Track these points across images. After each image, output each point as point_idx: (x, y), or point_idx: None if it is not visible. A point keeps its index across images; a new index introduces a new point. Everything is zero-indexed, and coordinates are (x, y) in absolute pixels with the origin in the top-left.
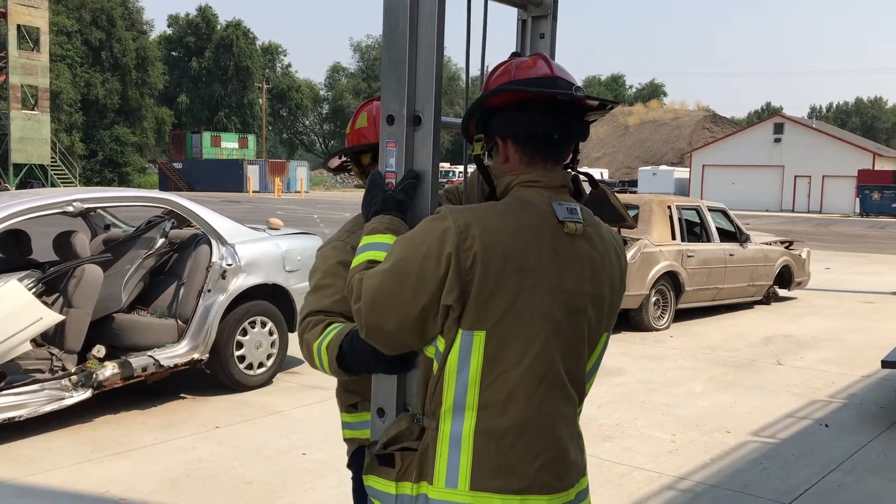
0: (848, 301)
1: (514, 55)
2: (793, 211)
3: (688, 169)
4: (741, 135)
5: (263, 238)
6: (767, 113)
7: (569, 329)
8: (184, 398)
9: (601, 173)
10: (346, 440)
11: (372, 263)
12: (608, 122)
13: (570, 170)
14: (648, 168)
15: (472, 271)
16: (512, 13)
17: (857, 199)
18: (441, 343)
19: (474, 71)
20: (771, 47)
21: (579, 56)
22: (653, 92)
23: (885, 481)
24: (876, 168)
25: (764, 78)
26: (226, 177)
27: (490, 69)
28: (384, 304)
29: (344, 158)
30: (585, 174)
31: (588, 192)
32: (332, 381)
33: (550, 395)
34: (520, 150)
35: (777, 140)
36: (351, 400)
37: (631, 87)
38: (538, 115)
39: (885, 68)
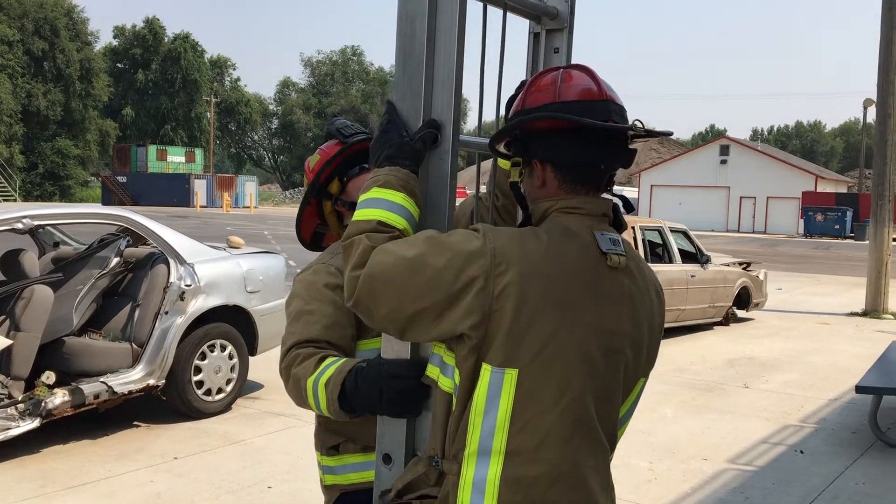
0: (804, 322)
1: (523, 84)
2: (738, 231)
3: (636, 189)
4: (688, 156)
5: (224, 257)
6: (712, 135)
7: (605, 371)
8: (138, 426)
9: None
10: (325, 487)
11: (382, 226)
12: None
13: (609, 195)
14: None
15: (501, 301)
16: (521, 25)
17: (802, 220)
18: (457, 375)
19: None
20: (710, 70)
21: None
22: None
23: None
24: (818, 190)
25: (704, 101)
26: (172, 191)
27: (526, 81)
28: (386, 287)
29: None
30: (622, 197)
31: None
32: (295, 408)
33: (584, 443)
34: (560, 175)
35: (723, 161)
36: (332, 441)
37: None
38: (585, 144)
39: (824, 93)
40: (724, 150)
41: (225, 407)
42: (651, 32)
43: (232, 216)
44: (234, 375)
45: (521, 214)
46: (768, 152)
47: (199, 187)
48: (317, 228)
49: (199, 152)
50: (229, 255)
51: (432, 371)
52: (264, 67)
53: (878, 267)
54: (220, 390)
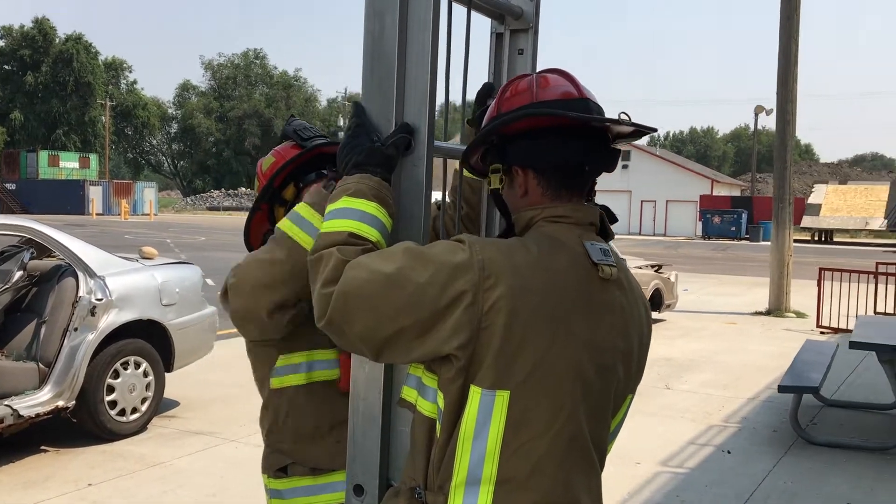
0: (713, 322)
1: (487, 86)
2: (640, 234)
3: None
4: None
5: (137, 269)
6: None
7: (598, 389)
8: (46, 451)
9: None
10: None
11: (354, 238)
12: None
13: (593, 203)
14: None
15: (491, 317)
16: (483, 26)
17: (700, 223)
18: (441, 399)
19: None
20: (610, 76)
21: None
22: None
23: None
24: (714, 193)
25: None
26: (65, 198)
27: (489, 84)
28: (361, 304)
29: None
30: (603, 207)
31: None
32: (215, 425)
33: (576, 465)
34: (543, 181)
35: (625, 166)
36: (280, 462)
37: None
38: (568, 142)
39: (717, 100)
40: (626, 156)
41: (140, 427)
42: (554, 38)
43: (131, 224)
44: (150, 394)
45: (503, 224)
46: (667, 157)
47: (95, 194)
48: (265, 235)
49: (93, 158)
50: (142, 266)
51: (409, 394)
52: (162, 70)
53: (780, 267)
54: (134, 410)
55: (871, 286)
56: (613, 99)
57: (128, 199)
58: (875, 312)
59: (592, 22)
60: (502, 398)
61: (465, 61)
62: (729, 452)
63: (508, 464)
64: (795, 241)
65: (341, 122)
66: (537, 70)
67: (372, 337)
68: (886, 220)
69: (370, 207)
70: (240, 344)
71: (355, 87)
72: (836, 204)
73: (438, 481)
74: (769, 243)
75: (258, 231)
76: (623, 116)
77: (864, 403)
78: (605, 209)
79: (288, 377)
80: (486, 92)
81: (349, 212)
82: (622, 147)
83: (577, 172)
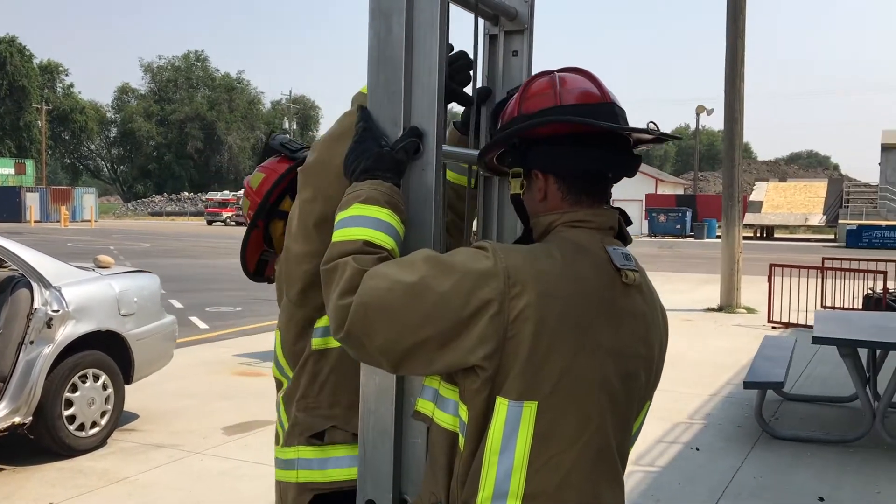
0: (669, 319)
1: (484, 90)
2: None
3: None
4: None
5: (94, 278)
6: None
7: (622, 399)
8: (3, 469)
9: None
10: (294, 486)
11: (369, 247)
12: None
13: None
14: None
15: (518, 326)
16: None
17: (646, 221)
18: (464, 411)
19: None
20: None
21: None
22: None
23: (769, 502)
24: (659, 192)
25: None
26: (0, 206)
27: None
28: (382, 316)
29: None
30: (619, 210)
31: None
32: (178, 437)
33: (603, 476)
34: (564, 187)
35: None
36: (317, 426)
37: None
38: (592, 149)
39: (659, 100)
40: None
41: (101, 442)
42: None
43: (72, 231)
44: (110, 407)
45: (521, 229)
46: None
47: (32, 201)
48: (261, 255)
49: (29, 163)
50: (99, 275)
51: (425, 406)
52: (100, 73)
53: (730, 264)
54: (94, 424)
55: (818, 281)
56: None
57: (67, 205)
58: (822, 307)
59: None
60: (530, 409)
61: (474, 65)
62: (698, 449)
63: (536, 477)
64: (745, 238)
65: (286, 125)
66: (531, 71)
67: (392, 349)
68: (825, 216)
69: (383, 214)
70: (197, 352)
71: (299, 89)
72: (777, 201)
73: (464, 496)
74: (714, 240)
75: (255, 251)
76: (651, 126)
77: (823, 397)
78: (621, 212)
79: (332, 337)
80: (483, 96)
81: (362, 219)
82: (642, 151)
83: (600, 179)
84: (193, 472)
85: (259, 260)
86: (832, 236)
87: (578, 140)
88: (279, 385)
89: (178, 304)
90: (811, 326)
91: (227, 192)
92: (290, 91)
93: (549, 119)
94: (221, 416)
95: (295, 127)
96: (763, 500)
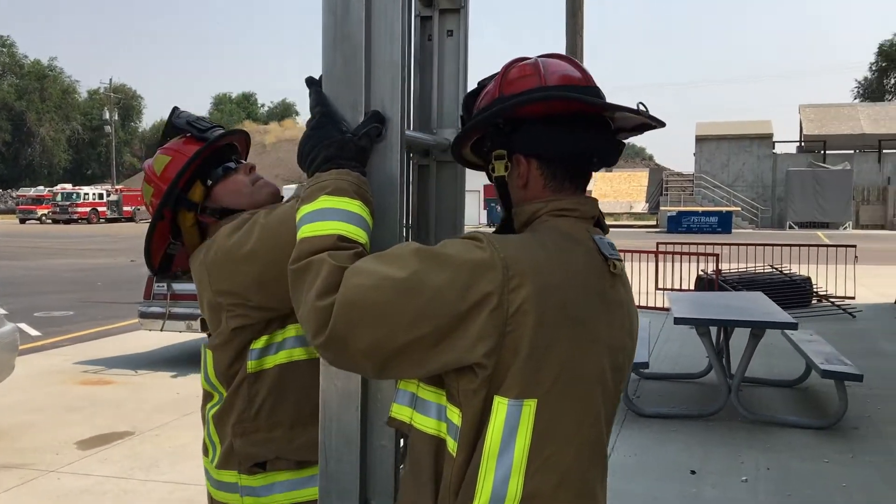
0: None
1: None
2: None
3: None
4: None
5: None
6: None
7: (613, 391)
8: None
9: None
10: None
11: (344, 241)
12: None
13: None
14: (292, 186)
15: (517, 320)
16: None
17: (485, 211)
18: (454, 414)
19: None
20: None
21: (211, 71)
22: (285, 111)
23: (652, 481)
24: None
25: None
26: None
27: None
28: (369, 315)
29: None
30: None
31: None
32: (28, 456)
33: (597, 471)
34: (548, 172)
35: None
36: (258, 457)
37: (263, 105)
38: (581, 130)
39: None
40: None
41: None
42: None
43: None
44: None
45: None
46: None
47: None
48: (167, 248)
49: None
50: None
51: (401, 412)
52: None
53: None
54: None
55: (650, 265)
56: None
57: None
58: (657, 289)
59: None
60: (529, 408)
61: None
62: None
63: (534, 479)
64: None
65: (106, 115)
66: (468, 53)
67: (380, 351)
68: (647, 204)
69: (354, 206)
70: (33, 361)
71: (120, 77)
72: (605, 190)
73: None
74: None
75: (161, 243)
76: (641, 107)
77: (677, 374)
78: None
79: (269, 357)
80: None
81: (333, 212)
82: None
83: (585, 164)
84: (50, 492)
85: (165, 254)
86: (654, 222)
87: (569, 120)
88: (208, 397)
89: (1, 311)
90: (651, 308)
91: (41, 187)
92: (111, 80)
93: (550, 94)
94: (73, 430)
95: (116, 118)
96: (647, 478)
